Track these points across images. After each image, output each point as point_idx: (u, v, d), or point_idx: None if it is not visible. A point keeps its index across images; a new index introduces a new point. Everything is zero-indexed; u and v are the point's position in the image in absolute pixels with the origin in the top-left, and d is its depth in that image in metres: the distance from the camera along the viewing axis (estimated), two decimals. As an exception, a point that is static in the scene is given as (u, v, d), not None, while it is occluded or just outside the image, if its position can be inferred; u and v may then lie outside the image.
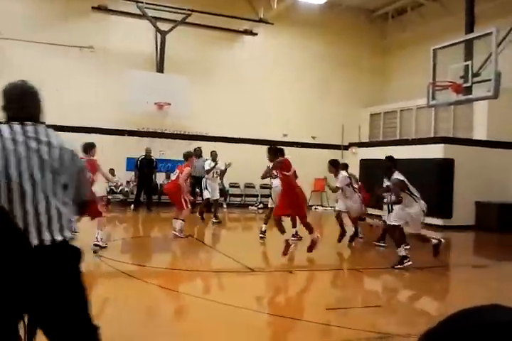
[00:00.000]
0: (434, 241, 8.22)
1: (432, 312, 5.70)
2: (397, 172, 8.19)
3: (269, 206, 10.69)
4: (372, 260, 8.93)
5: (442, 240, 8.30)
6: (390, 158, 8.60)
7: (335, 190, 9.90)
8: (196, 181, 14.80)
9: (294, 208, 8.18)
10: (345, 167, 10.32)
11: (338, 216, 10.07)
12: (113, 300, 5.46)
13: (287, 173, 8.15)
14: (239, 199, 17.82)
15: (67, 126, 15.14)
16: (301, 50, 18.55)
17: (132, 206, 15.17)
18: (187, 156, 10.48)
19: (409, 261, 7.49)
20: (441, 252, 8.34)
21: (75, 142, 2.64)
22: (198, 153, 14.46)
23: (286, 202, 8.17)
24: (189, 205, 10.17)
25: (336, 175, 9.79)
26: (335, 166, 9.85)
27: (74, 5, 15.68)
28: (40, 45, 15.20)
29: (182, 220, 9.88)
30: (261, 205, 17.14)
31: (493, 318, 0.71)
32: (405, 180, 8.02)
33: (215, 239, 11.40)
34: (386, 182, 8.89)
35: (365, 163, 16.58)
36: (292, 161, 8.44)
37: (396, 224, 7.78)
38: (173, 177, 10.55)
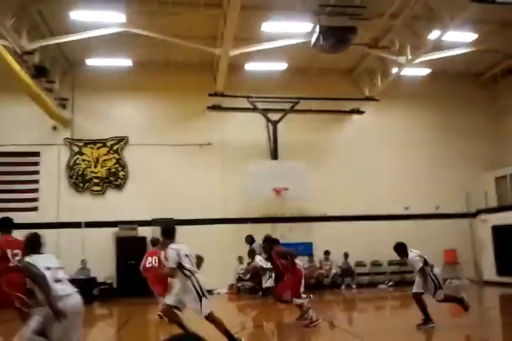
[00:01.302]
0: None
1: None
2: None
3: None
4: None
5: None
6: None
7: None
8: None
9: None
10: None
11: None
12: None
13: None
14: (366, 278, 17.31)
15: (195, 219, 16.07)
16: (410, 122, 18.46)
17: (261, 292, 14.59)
18: (156, 242, 10.14)
19: None
20: None
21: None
22: (248, 239, 14.58)
23: None
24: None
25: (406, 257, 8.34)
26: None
27: (191, 108, 17.21)
28: (163, 147, 16.69)
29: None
30: (391, 283, 16.53)
31: None
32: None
33: (351, 323, 10.60)
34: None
35: (497, 230, 15.65)
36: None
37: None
38: (149, 264, 9.87)
